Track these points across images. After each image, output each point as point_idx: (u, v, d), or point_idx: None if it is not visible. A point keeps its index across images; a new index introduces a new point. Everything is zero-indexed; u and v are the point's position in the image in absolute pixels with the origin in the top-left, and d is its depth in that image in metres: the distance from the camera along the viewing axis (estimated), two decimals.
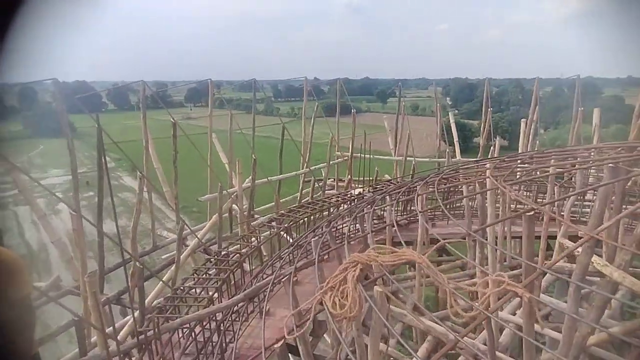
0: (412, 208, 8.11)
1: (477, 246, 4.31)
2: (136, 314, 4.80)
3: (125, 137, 12.72)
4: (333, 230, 6.72)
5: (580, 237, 4.20)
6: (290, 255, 6.27)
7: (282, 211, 7.67)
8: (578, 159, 4.60)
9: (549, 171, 4.69)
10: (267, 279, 4.76)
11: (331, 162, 10.33)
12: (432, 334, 4.89)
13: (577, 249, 3.05)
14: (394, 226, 6.36)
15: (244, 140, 9.40)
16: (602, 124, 10.10)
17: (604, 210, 3.03)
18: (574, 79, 11.03)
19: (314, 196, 9.51)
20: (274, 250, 6.90)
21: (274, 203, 8.72)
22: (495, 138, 9.83)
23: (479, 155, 11.40)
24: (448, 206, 7.95)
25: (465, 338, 2.86)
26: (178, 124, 6.87)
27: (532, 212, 2.64)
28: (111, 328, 4.30)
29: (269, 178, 8.63)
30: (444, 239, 7.50)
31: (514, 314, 5.20)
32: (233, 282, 5.67)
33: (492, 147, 9.75)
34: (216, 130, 9.39)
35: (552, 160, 4.51)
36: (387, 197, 6.82)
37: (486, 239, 5.28)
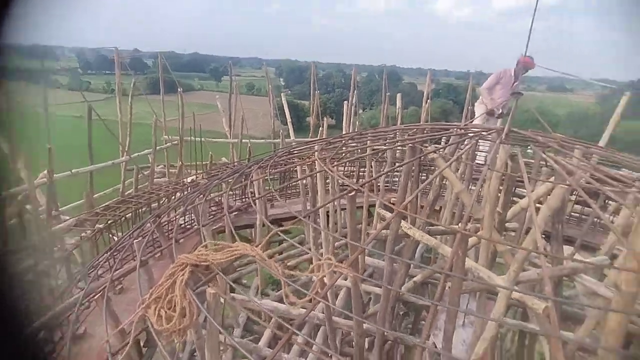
0: (250, 191, 8.01)
1: (310, 226, 4.54)
2: None
3: None
4: (164, 224, 6.01)
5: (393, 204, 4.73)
6: (111, 261, 5.30)
7: (97, 209, 6.39)
8: (388, 139, 5.24)
9: (367, 151, 5.24)
10: (72, 299, 3.83)
11: (158, 147, 9.16)
12: (277, 314, 4.97)
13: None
14: (231, 212, 6.11)
15: (42, 122, 7.32)
16: (402, 106, 12.13)
17: (407, 183, 3.55)
18: (381, 67, 12.83)
19: (140, 187, 8.30)
20: (92, 257, 5.72)
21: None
22: (324, 118, 10.57)
23: (310, 134, 12.15)
24: (286, 187, 8.19)
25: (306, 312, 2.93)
26: None
27: (353, 192, 2.82)
28: None
29: (72, 170, 6.98)
30: (282, 219, 7.64)
31: (347, 279, 5.78)
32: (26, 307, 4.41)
33: (320, 127, 10.48)
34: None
35: (369, 141, 5.03)
36: (223, 183, 6.49)
37: (319, 216, 5.64)
